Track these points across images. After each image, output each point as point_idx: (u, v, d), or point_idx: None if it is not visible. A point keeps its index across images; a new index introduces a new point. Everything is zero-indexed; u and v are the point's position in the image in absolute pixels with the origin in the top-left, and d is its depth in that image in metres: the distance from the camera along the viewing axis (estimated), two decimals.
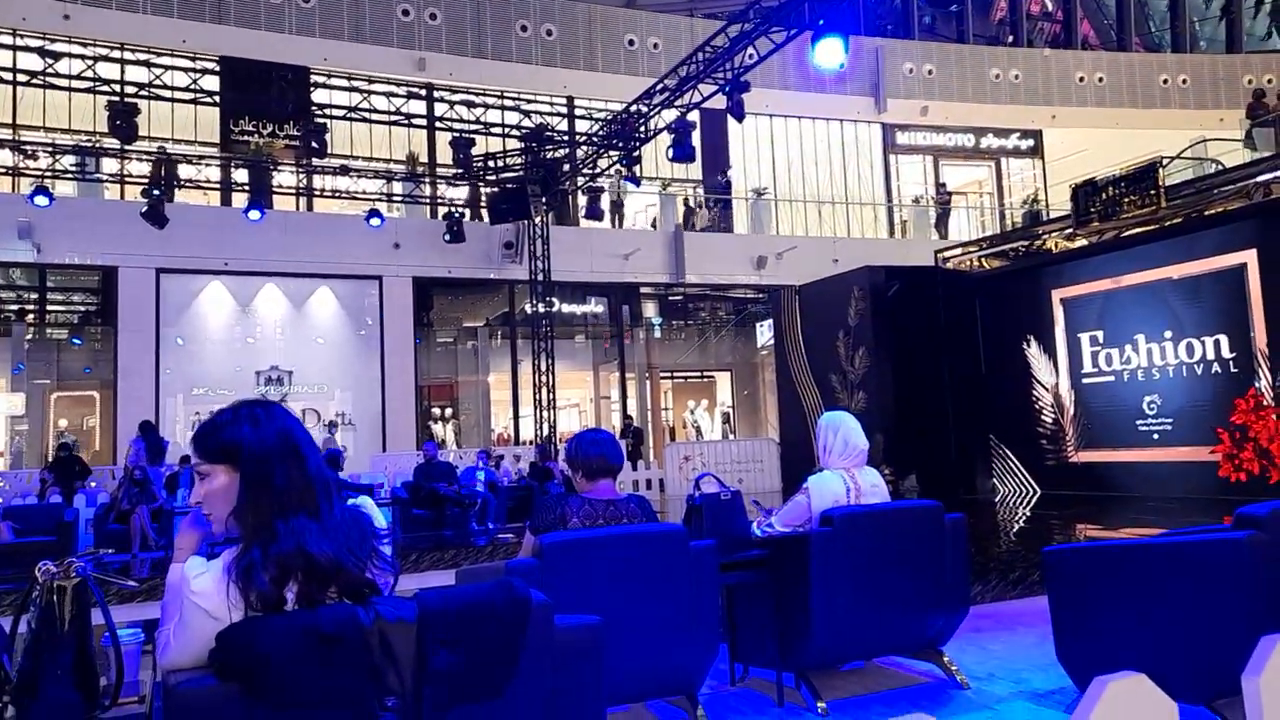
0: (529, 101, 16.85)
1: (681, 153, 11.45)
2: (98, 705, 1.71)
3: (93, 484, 11.71)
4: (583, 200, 15.73)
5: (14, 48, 14.14)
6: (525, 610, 1.79)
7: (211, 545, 1.83)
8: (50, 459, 11.85)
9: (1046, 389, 10.75)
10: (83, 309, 15.17)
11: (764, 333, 18.44)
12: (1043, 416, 10.78)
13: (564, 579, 2.87)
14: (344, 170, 14.69)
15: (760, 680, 3.73)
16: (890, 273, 11.63)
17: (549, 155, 14.57)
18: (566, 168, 14.69)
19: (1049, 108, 20.57)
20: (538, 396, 14.98)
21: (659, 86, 12.01)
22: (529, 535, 3.23)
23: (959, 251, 12.44)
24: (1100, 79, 20.83)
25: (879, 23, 21.32)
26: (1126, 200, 9.56)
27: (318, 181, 14.71)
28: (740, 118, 10.49)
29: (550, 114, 16.95)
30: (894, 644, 3.71)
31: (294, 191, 15.17)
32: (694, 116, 11.96)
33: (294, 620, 1.66)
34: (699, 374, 19.99)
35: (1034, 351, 10.90)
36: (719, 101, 10.94)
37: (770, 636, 3.51)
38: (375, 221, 14.20)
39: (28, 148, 13.00)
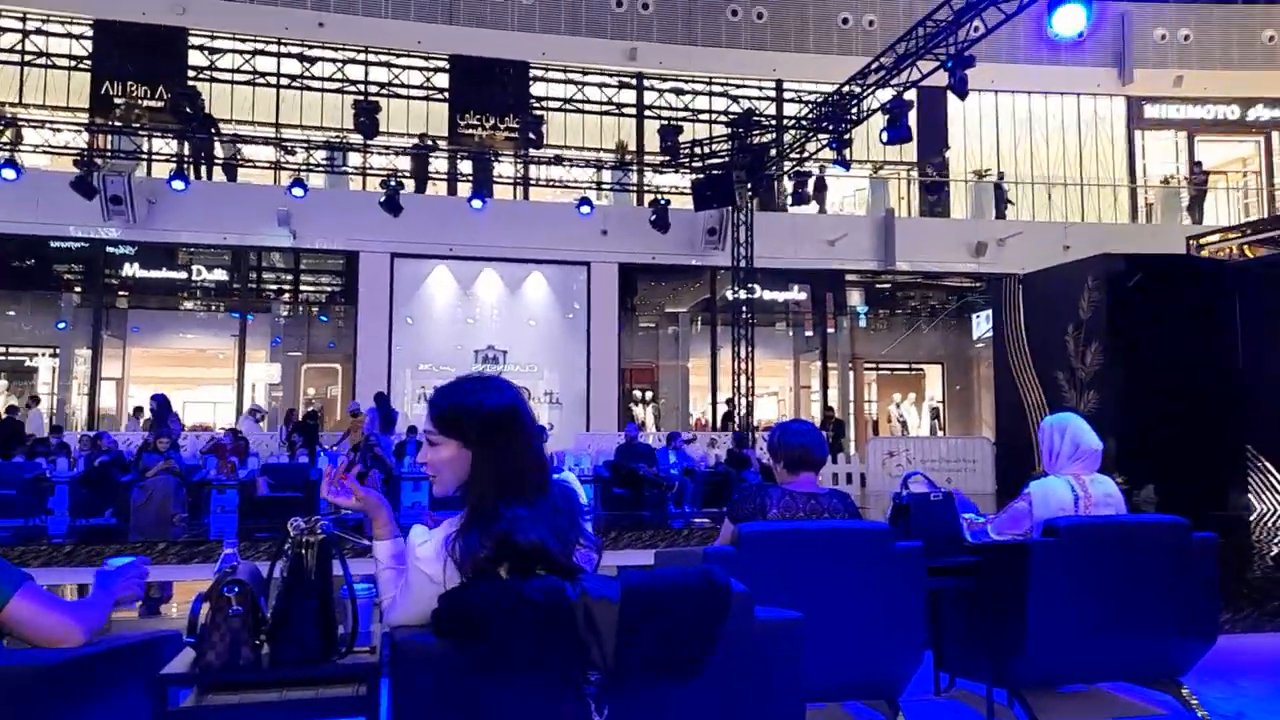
0: (737, 86, 16.78)
1: (897, 134, 10.97)
2: (335, 651, 1.87)
3: (334, 447, 12.97)
4: (788, 185, 15.48)
5: (277, 55, 15.83)
6: (725, 598, 1.78)
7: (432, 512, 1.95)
8: (295, 423, 13.19)
9: None
10: (329, 289, 16.79)
11: (980, 324, 17.38)
12: None
13: (761, 570, 2.83)
14: (558, 160, 15.31)
15: (967, 692, 3.52)
16: (1131, 261, 10.56)
17: (756, 140, 14.45)
18: (773, 152, 14.50)
19: None
20: (736, 383, 14.95)
21: (874, 65, 11.56)
22: (727, 523, 3.21)
23: (1216, 238, 11.10)
24: None
25: None
26: None
27: (533, 171, 15.43)
28: (963, 94, 9.89)
29: (758, 98, 16.80)
30: (1123, 669, 3.38)
31: (512, 181, 15.99)
32: (911, 95, 11.42)
33: (507, 588, 1.74)
34: (907, 366, 19.17)
35: None
36: (937, 78, 10.37)
37: (981, 648, 3.30)
38: (585, 209, 14.69)
39: (287, 144, 14.54)
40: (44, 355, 15.57)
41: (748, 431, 13.73)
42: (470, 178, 14.93)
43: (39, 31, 14.73)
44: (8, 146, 13.47)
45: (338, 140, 15.13)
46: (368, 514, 1.90)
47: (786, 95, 17.15)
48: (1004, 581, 3.22)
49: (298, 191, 13.61)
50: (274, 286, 16.61)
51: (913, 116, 11.36)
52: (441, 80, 15.95)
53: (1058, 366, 11.02)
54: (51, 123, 14.03)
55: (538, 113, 15.17)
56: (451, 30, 15.92)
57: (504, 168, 15.95)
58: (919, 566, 3.07)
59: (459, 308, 15.97)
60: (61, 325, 15.25)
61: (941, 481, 4.79)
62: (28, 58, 14.69)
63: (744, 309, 15.01)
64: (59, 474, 10.59)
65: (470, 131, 15.99)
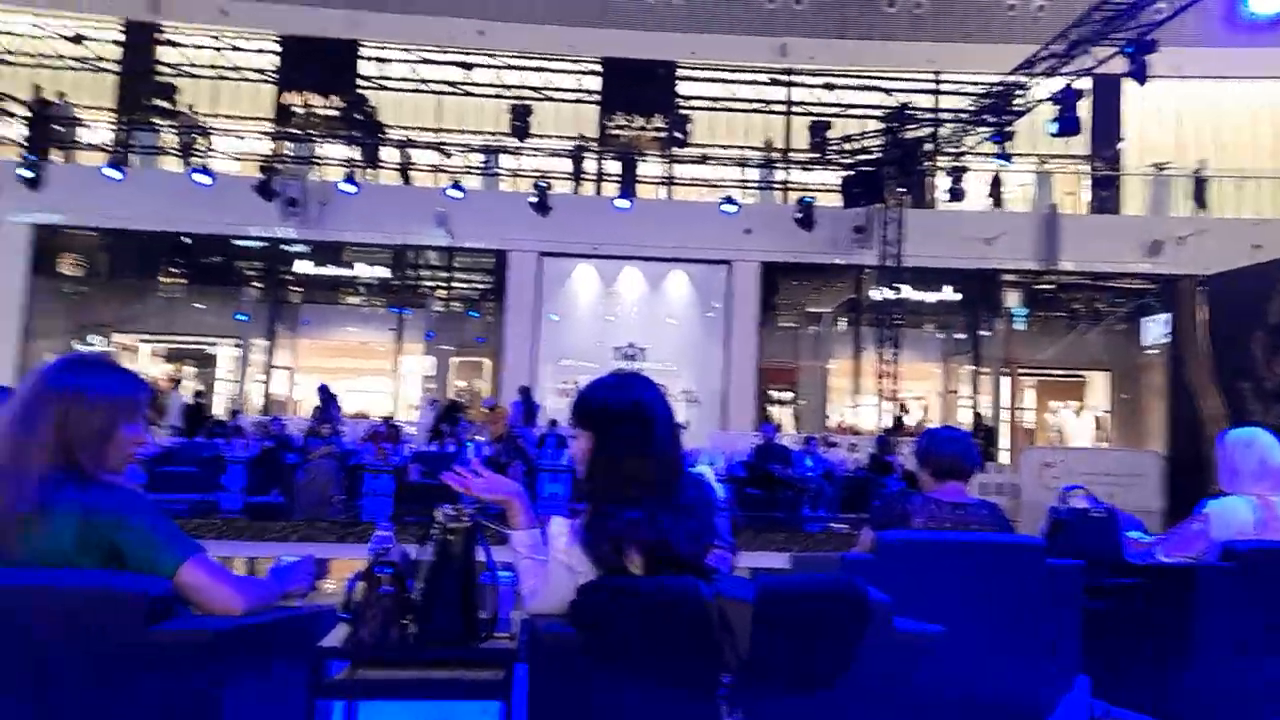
0: (891, 79, 16.27)
1: (1066, 125, 10.35)
2: (476, 635, 1.94)
3: (480, 437, 13.47)
4: (942, 181, 14.89)
5: (440, 63, 16.60)
6: (864, 608, 1.73)
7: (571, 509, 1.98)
8: (441, 415, 13.76)
9: None
10: (480, 287, 17.46)
11: (1153, 328, 16.11)
12: None
13: (902, 580, 2.73)
14: (703, 159, 15.33)
15: None
16: None
17: (909, 135, 13.97)
18: (928, 147, 13.98)
19: None
20: (880, 386, 14.50)
21: (1043, 53, 10.94)
22: (867, 529, 3.12)
23: None
24: None
25: None
26: None
27: (677, 170, 15.52)
28: (1142, 80, 9.22)
29: (913, 91, 16.22)
30: None
31: (657, 180, 16.13)
32: (1082, 84, 10.74)
33: (640, 585, 1.75)
34: (1068, 372, 18.04)
35: None
36: (1112, 66, 9.70)
37: (1142, 677, 3.07)
38: (730, 208, 14.64)
39: (446, 148, 15.24)
40: (226, 345, 16.96)
41: (890, 436, 13.30)
42: (617, 178, 15.19)
43: (233, 48, 16.02)
44: (202, 154, 14.77)
45: (493, 143, 15.72)
46: (501, 504, 1.94)
47: (944, 87, 16.48)
48: (1172, 607, 2.98)
49: (455, 193, 14.25)
50: (429, 284, 17.42)
51: (1083, 106, 10.69)
52: (592, 83, 16.28)
53: (1243, 376, 10.08)
54: (239, 132, 15.27)
55: (684, 112, 15.22)
56: (603, 34, 16.22)
57: (649, 167, 16.11)
58: (1075, 586, 2.88)
59: (601, 305, 16.26)
60: (242, 317, 16.57)
61: (1104, 496, 4.48)
62: (221, 72, 16.02)
63: (891, 309, 14.54)
64: (234, 454, 11.50)
65: (618, 132, 16.27)
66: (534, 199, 14.32)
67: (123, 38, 15.60)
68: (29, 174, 13.24)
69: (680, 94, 16.40)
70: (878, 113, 15.00)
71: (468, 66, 16.59)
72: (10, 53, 14.21)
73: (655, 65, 16.19)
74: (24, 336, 14.57)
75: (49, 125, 13.92)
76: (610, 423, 1.86)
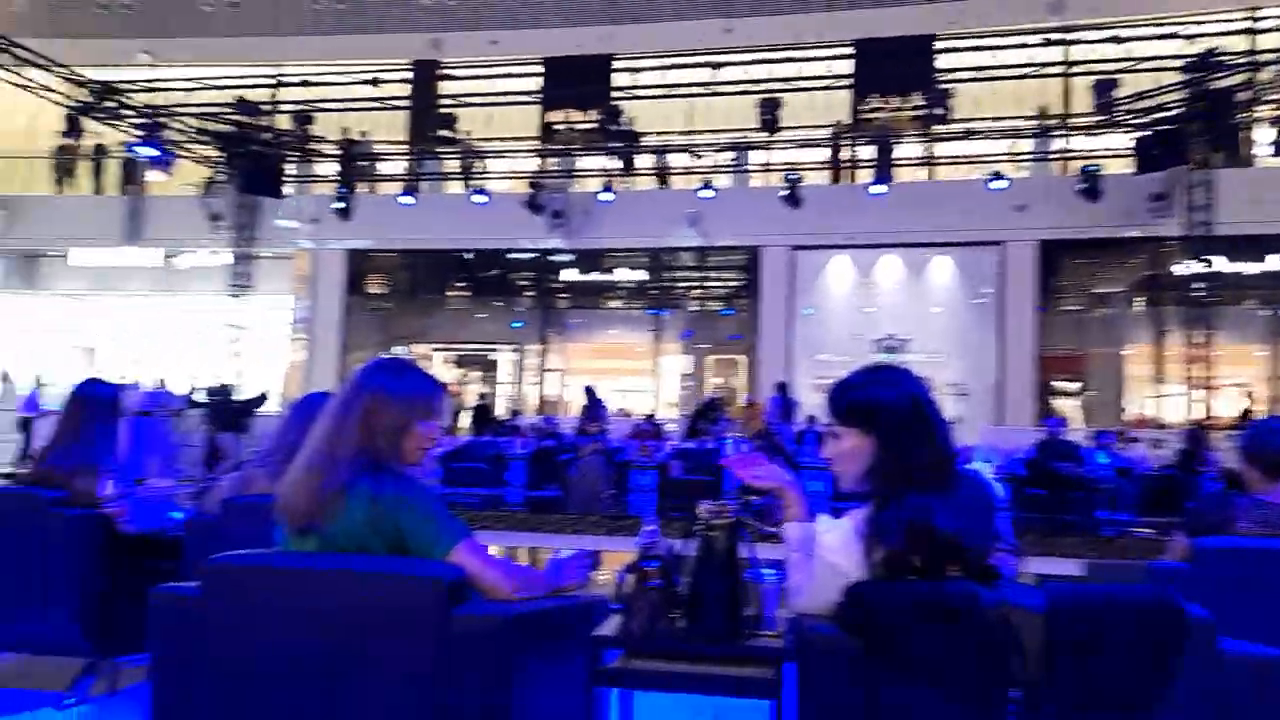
0: (1193, 22, 14.30)
1: None
2: (742, 633, 1.93)
3: (737, 434, 13.55)
4: (1263, 134, 12.85)
5: (688, 65, 16.94)
6: (1181, 625, 1.52)
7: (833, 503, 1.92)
8: (699, 412, 13.96)
9: None
10: (733, 284, 17.58)
11: None
12: None
13: (1225, 594, 2.38)
14: (967, 134, 14.38)
15: None
16: None
17: (1217, 84, 12.21)
18: (1242, 96, 12.14)
19: None
20: (1189, 373, 12.80)
21: None
22: (1179, 535, 2.76)
23: None
24: None
25: None
26: None
27: (938, 149, 14.68)
28: None
29: (1220, 33, 14.15)
30: None
31: (914, 162, 15.37)
32: None
33: (917, 589, 1.66)
34: None
35: None
36: None
37: None
38: (999, 184, 13.62)
39: (697, 150, 15.51)
40: (505, 350, 18.43)
41: (1203, 430, 11.69)
42: (871, 164, 14.67)
43: (502, 75, 17.35)
44: (479, 176, 16.16)
45: (741, 140, 15.79)
46: (777, 495, 1.93)
47: (1262, 24, 14.21)
48: None
49: (706, 193, 14.47)
50: (684, 284, 17.82)
51: None
52: (843, 67, 15.83)
53: None
54: (509, 152, 16.52)
55: (944, 86, 14.34)
56: (854, 15, 15.73)
57: (905, 149, 15.40)
58: None
59: (857, 296, 15.77)
60: (517, 325, 17.91)
61: None
62: (492, 99, 17.40)
63: (1200, 285, 12.80)
64: (514, 451, 12.45)
65: (873, 115, 15.68)
66: (785, 192, 14.18)
67: (410, 76, 17.43)
68: (341, 205, 15.18)
69: (939, 68, 15.49)
70: (1176, 63, 13.23)
71: (716, 66, 16.78)
72: (322, 101, 16.36)
73: (910, 41, 15.42)
74: (342, 349, 16.74)
75: (355, 161, 15.87)
76: (885, 419, 1.78)
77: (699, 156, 15.43)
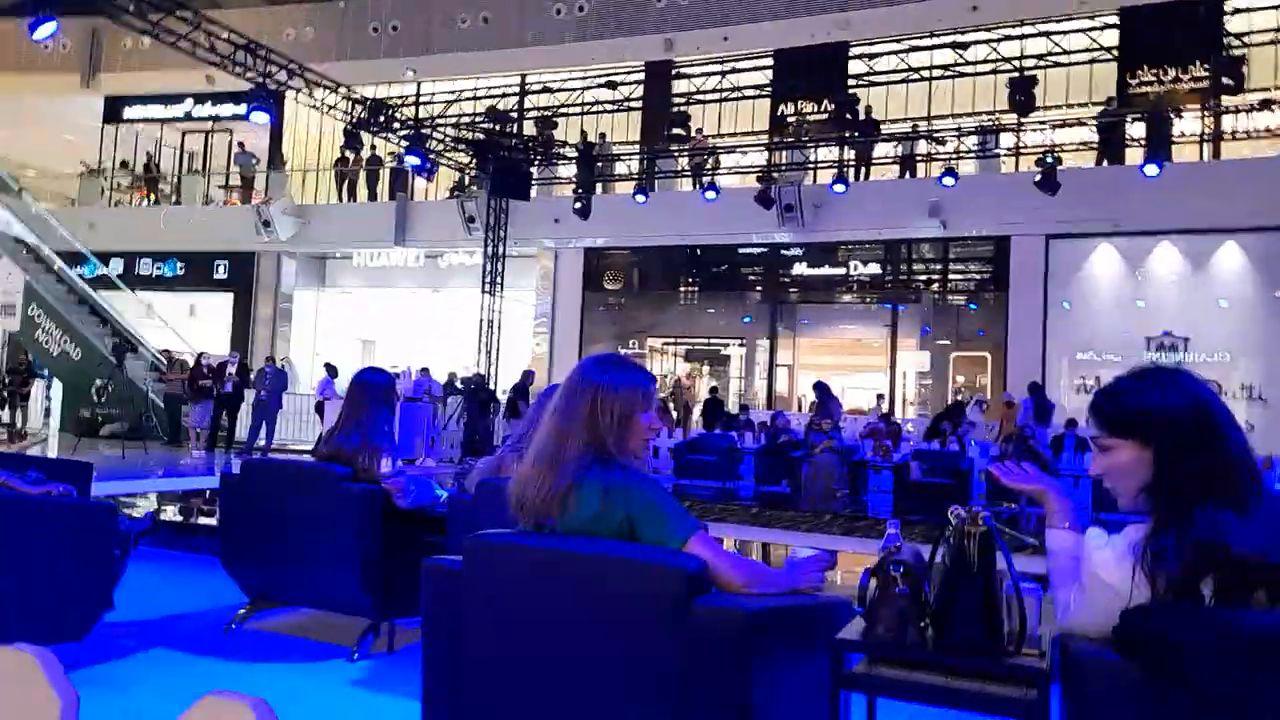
0: None
1: None
2: (1001, 648, 1.79)
3: (984, 437, 12.76)
4: None
5: (929, 47, 16.13)
6: None
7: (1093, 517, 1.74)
8: (942, 413, 13.23)
9: None
10: (977, 277, 16.55)
11: None
12: None
13: None
14: (1264, 105, 12.59)
15: None
16: None
17: None
18: None
19: None
20: None
21: None
22: None
23: None
24: None
25: None
26: None
27: (1227, 123, 12.95)
28: None
29: None
30: None
31: (1195, 139, 13.69)
32: None
33: (1214, 616, 1.47)
34: None
35: None
36: None
37: None
38: None
39: (939, 135, 14.73)
40: (735, 346, 18.51)
41: None
42: (1140, 143, 13.23)
43: (733, 70, 17.44)
44: (709, 172, 16.33)
45: (989, 123, 14.81)
46: (1038, 501, 1.83)
47: None
48: None
49: (948, 181, 13.70)
50: (923, 277, 17.03)
51: None
52: (1108, 38, 14.40)
53: None
54: (740, 148, 16.55)
55: (1236, 52, 12.61)
56: None
57: (1184, 124, 13.73)
58: None
59: (1126, 289, 14.29)
60: (746, 320, 17.92)
61: None
62: (723, 95, 17.53)
63: None
64: (746, 446, 12.48)
65: (1144, 89, 14.14)
66: (1039, 177, 13.09)
67: (643, 77, 17.92)
68: (579, 206, 15.91)
69: (1230, 31, 13.68)
70: None
71: (961, 46, 15.86)
72: (563, 106, 17.23)
73: (1190, 6, 13.73)
74: (580, 342, 17.57)
75: (593, 163, 16.57)
76: (1166, 428, 1.60)
77: (941, 143, 14.64)
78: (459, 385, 15.49)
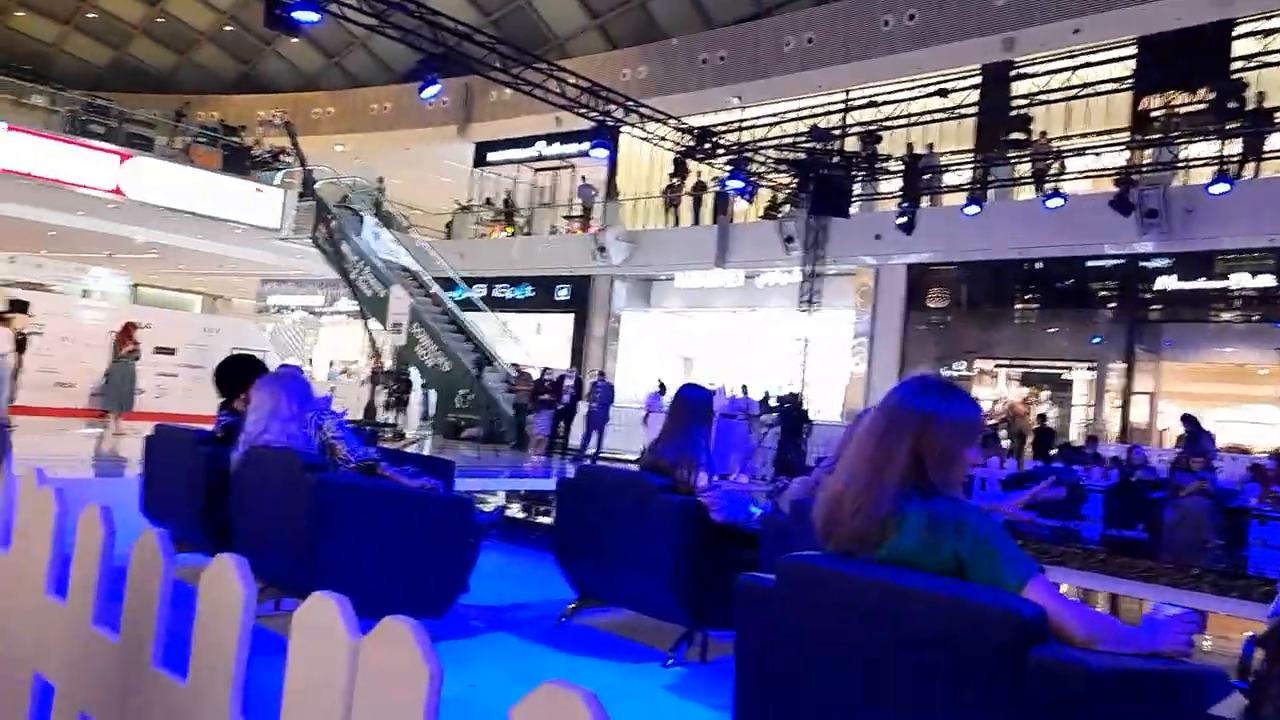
0: None
1: None
2: None
3: None
4: None
5: None
6: None
7: None
8: None
9: None
10: None
11: None
12: None
13: None
14: None
15: None
16: None
17: None
18: None
19: None
20: None
21: None
22: None
23: None
24: None
25: None
26: None
27: None
28: None
29: None
30: None
31: None
32: None
33: None
34: None
35: None
36: None
37: None
38: None
39: None
40: (1080, 369, 16.65)
41: None
42: None
43: (1084, 65, 15.79)
44: (1053, 178, 14.90)
45: None
46: None
47: None
48: None
49: None
50: None
51: None
52: None
53: None
54: (1091, 149, 14.90)
55: None
56: None
57: None
58: None
59: None
60: (1095, 340, 16.05)
61: None
62: (1073, 93, 15.92)
63: None
64: (1093, 482, 11.16)
65: None
66: None
67: (979, 81, 16.82)
68: (903, 220, 15.28)
69: None
70: None
71: None
72: (890, 119, 16.66)
73: None
74: (901, 362, 16.87)
75: (920, 175, 15.85)
76: None
77: None
78: (773, 404, 15.60)
